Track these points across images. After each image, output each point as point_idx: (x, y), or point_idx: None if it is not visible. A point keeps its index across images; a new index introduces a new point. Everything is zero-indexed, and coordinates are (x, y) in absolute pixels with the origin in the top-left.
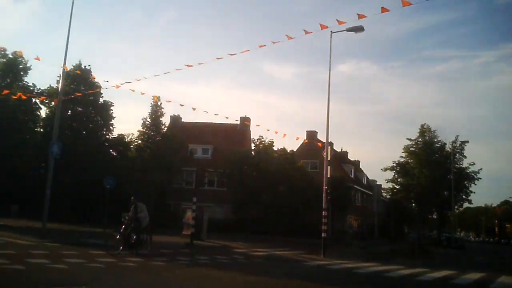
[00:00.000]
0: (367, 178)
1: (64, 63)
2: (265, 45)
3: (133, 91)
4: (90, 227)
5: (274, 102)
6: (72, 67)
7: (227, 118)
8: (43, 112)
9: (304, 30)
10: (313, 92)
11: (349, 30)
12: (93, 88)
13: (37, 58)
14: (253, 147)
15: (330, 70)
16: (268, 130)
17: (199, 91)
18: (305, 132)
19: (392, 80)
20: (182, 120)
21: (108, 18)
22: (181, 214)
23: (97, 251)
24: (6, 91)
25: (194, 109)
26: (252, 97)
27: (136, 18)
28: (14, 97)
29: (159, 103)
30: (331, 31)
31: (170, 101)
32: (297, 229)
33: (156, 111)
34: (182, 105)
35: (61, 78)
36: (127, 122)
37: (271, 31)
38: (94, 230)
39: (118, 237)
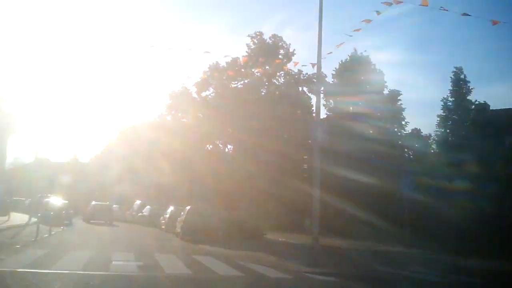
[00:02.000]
0: None
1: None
2: None
3: None
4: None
5: None
6: (348, 57)
7: None
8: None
9: None
10: None
11: None
12: (374, 77)
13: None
14: None
15: None
16: None
17: None
18: None
19: None
20: (491, 108)
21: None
22: None
23: None
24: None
25: None
26: None
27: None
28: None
29: (461, 76)
30: None
31: None
32: None
33: (460, 87)
34: None
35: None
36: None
37: None
38: (390, 249)
39: None
